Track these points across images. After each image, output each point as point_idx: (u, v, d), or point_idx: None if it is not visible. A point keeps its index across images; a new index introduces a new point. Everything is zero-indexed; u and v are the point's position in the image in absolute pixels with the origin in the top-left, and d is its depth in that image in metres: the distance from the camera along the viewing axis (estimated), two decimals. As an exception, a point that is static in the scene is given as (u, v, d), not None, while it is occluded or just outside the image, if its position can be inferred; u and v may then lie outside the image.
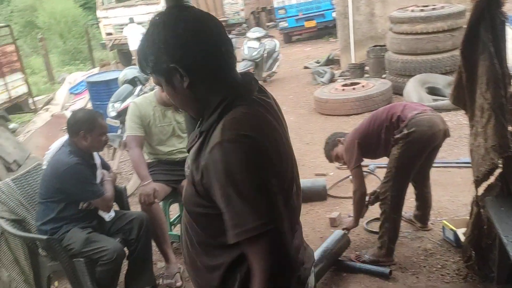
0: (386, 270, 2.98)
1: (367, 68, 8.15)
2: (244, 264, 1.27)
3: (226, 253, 1.30)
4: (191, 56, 1.24)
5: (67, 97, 9.83)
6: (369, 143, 3.15)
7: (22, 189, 3.05)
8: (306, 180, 4.44)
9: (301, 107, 7.63)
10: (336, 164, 4.27)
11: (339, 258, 3.15)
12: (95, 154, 3.04)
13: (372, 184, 4.05)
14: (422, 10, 6.72)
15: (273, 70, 9.67)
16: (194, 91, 1.29)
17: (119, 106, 5.21)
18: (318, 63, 10.24)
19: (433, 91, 6.28)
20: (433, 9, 6.67)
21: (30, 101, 9.60)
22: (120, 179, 5.23)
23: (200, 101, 1.31)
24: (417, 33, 6.56)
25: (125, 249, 2.97)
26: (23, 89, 9.26)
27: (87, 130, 2.81)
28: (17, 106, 9.17)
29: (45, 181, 2.84)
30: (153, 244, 3.23)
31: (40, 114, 9.08)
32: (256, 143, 1.19)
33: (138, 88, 6.33)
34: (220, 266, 1.32)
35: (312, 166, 5.10)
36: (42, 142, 6.55)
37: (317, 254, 3.00)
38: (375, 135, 3.11)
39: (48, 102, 9.99)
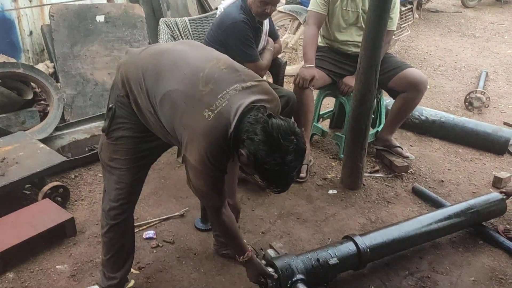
0: (533, 260, 2.43)
1: None
2: None
3: None
4: None
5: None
6: None
7: (195, 30, 3.23)
8: (489, 125, 3.74)
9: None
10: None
11: (483, 223, 2.67)
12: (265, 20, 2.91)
13: None
14: None
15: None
16: None
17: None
18: None
19: None
20: None
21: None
22: (295, 57, 5.14)
23: None
24: None
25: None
26: None
27: None
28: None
29: (213, 30, 2.86)
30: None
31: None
32: None
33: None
34: None
35: (505, 113, 4.27)
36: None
37: (458, 207, 2.58)
38: None
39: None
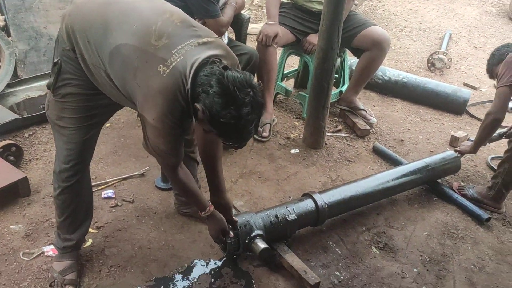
0: (484, 214, 2.53)
1: None
2: None
3: None
4: None
5: None
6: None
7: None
8: (449, 85, 3.80)
9: (492, 5, 6.34)
10: (495, 82, 3.56)
11: (438, 180, 2.75)
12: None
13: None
14: None
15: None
16: None
17: None
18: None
19: None
20: None
21: None
22: (261, 15, 5.03)
23: None
24: None
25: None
26: None
27: None
28: None
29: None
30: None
31: None
32: None
33: None
34: None
35: (466, 74, 4.35)
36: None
37: (414, 165, 2.64)
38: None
39: None
